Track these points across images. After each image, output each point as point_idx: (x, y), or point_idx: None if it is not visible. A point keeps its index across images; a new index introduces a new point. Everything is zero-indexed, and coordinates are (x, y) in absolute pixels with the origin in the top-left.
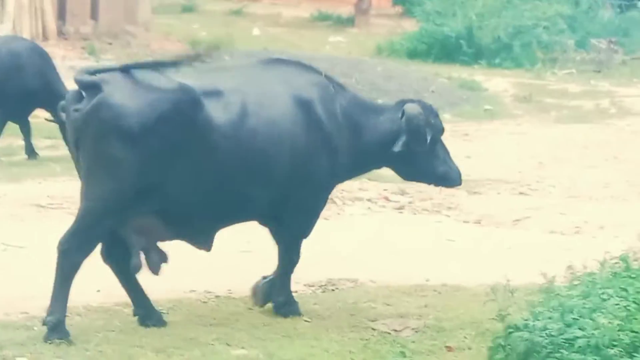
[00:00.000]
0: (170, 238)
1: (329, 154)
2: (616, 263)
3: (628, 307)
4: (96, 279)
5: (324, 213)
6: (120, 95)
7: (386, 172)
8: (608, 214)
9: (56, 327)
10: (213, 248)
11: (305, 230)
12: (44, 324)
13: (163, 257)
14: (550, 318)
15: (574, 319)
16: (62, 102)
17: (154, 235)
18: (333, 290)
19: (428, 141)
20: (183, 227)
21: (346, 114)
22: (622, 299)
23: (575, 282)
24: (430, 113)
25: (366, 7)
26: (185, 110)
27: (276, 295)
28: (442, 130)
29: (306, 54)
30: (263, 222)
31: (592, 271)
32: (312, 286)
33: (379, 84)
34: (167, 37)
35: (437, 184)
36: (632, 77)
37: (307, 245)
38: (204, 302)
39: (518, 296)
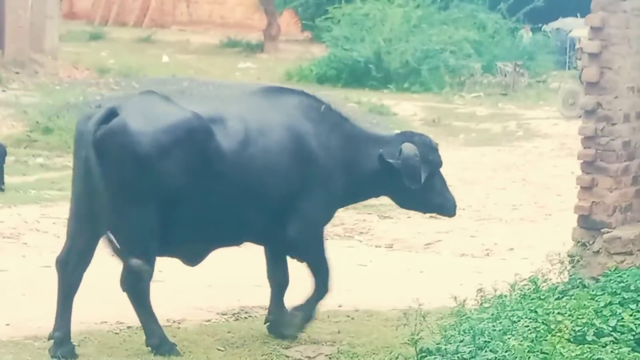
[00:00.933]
0: (167, 255)
1: (322, 185)
2: (525, 285)
3: (537, 329)
4: (5, 312)
5: None
6: (136, 121)
7: None
8: (517, 236)
9: (162, 344)
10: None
11: (322, 259)
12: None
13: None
14: (462, 341)
15: (485, 341)
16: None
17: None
18: (246, 318)
19: (422, 180)
20: (182, 247)
21: (343, 147)
22: (531, 320)
23: (486, 305)
24: (430, 149)
25: (275, 34)
26: (197, 137)
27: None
28: (440, 164)
29: (216, 81)
30: (262, 245)
31: (502, 293)
32: (225, 314)
33: None
34: (76, 65)
35: (432, 213)
36: (538, 100)
37: (219, 274)
38: (116, 333)
39: (430, 320)
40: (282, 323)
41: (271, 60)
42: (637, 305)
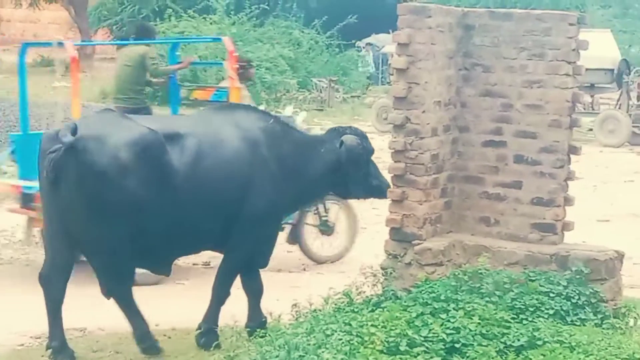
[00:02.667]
0: (135, 266)
1: (274, 190)
2: (340, 298)
3: (351, 341)
4: None
5: None
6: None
7: None
8: None
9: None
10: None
11: (260, 261)
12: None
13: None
14: (277, 357)
15: (300, 355)
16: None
17: None
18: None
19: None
20: (146, 258)
21: (291, 153)
22: (345, 333)
23: (301, 319)
24: (363, 138)
25: (90, 52)
26: (153, 152)
27: (203, 322)
28: (373, 151)
29: (30, 100)
30: (217, 250)
31: (317, 307)
32: (39, 338)
33: None
34: None
35: (371, 196)
36: (353, 115)
37: (31, 298)
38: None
39: (246, 337)
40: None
41: (87, 79)
42: (447, 315)
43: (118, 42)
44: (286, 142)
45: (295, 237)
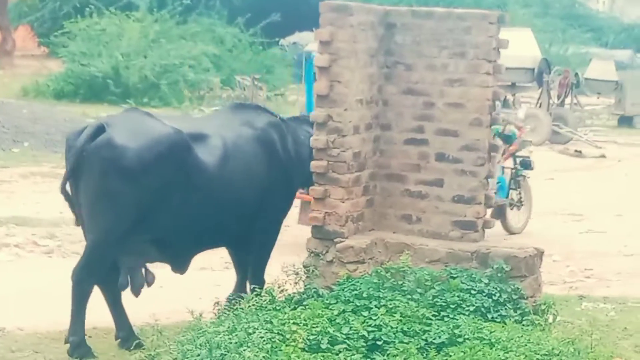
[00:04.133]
0: (156, 260)
1: (287, 184)
2: (262, 296)
3: (273, 339)
4: None
5: None
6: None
7: (35, 215)
8: None
9: (79, 345)
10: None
11: (268, 255)
12: (66, 342)
13: (149, 279)
14: (198, 355)
15: (221, 354)
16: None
17: (142, 256)
18: None
19: None
20: (168, 251)
21: (295, 146)
22: (267, 331)
23: (223, 318)
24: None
25: (10, 49)
26: (177, 152)
27: None
28: None
29: None
30: (231, 248)
31: (238, 306)
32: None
33: (24, 127)
34: None
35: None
36: (279, 112)
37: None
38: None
39: (168, 335)
40: None
41: (7, 76)
42: (369, 313)
43: None
44: (291, 137)
45: (499, 214)
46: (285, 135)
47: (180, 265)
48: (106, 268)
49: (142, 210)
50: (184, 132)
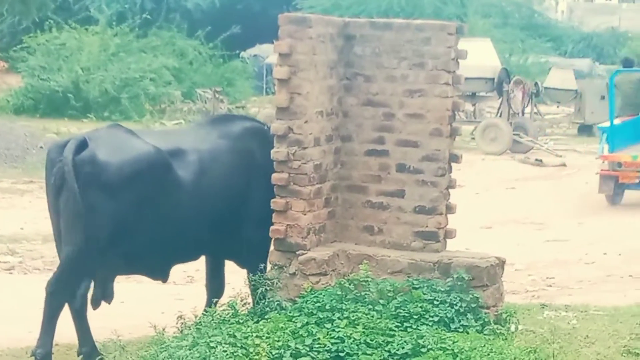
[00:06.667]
0: (131, 273)
1: (271, 193)
2: (225, 310)
3: (235, 353)
4: None
5: None
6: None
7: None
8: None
9: (45, 359)
10: None
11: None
12: (32, 355)
13: (107, 295)
14: None
15: None
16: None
17: (116, 269)
18: None
19: None
20: (144, 264)
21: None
22: (230, 345)
23: (186, 332)
24: None
25: None
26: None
27: None
28: None
29: None
30: (215, 259)
31: (201, 320)
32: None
33: None
34: None
35: None
36: None
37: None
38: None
39: (130, 351)
40: None
41: None
42: (332, 325)
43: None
44: (267, 145)
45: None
46: (269, 143)
47: (158, 276)
48: (81, 281)
49: (120, 224)
50: (163, 151)
